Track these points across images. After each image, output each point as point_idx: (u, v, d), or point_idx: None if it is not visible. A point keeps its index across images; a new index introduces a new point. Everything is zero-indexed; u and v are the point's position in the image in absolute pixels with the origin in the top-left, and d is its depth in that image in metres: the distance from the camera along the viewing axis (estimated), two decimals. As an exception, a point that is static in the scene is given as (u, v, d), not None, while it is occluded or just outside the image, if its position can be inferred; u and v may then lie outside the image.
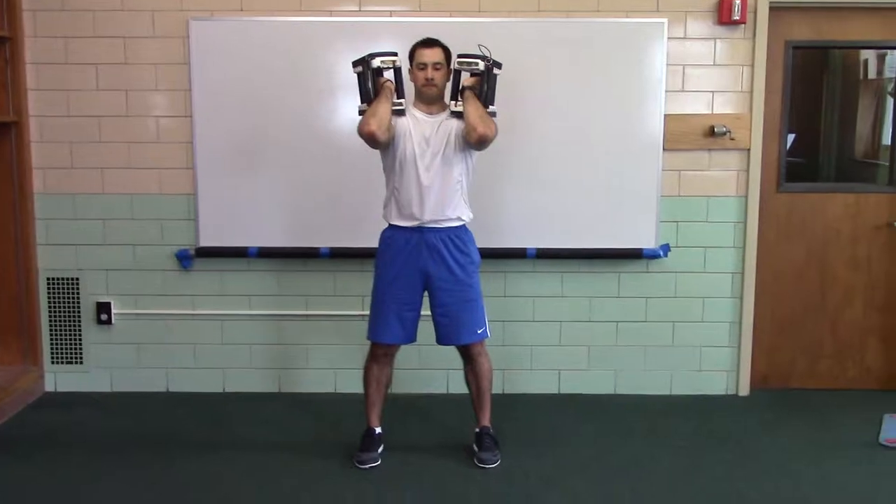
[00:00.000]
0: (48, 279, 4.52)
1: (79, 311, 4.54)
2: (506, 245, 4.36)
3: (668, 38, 4.30)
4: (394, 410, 4.02)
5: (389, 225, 3.66)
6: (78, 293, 4.52)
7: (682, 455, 3.81)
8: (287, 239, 4.41)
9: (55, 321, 4.55)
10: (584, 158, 4.36)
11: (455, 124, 3.57)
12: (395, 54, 3.61)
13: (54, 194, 4.45)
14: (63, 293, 4.53)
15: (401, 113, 3.59)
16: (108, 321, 4.53)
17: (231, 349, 4.57)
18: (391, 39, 4.16)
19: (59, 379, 4.59)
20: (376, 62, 3.54)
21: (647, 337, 4.56)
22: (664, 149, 4.36)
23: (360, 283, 4.41)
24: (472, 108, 3.48)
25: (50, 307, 4.54)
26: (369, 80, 3.55)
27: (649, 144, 4.35)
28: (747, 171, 4.41)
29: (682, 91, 4.36)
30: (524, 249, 4.39)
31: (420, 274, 3.60)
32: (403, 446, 3.84)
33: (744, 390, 4.58)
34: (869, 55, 4.71)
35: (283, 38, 4.29)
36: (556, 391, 4.60)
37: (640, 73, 4.32)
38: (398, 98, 3.59)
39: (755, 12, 4.29)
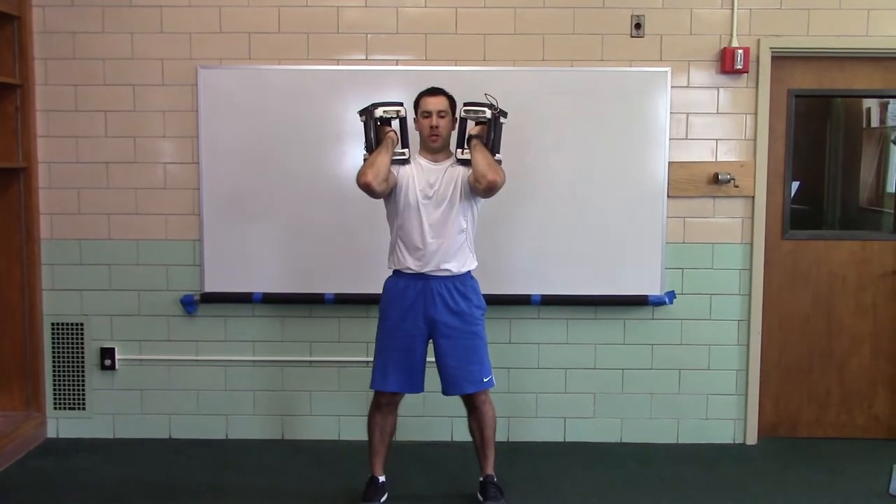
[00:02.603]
0: (52, 324, 4.52)
1: (83, 357, 4.53)
2: (510, 291, 4.36)
3: (672, 86, 4.34)
4: (398, 458, 3.98)
5: (393, 272, 3.66)
6: (82, 338, 4.52)
7: (690, 505, 3.77)
8: (292, 285, 4.42)
9: (59, 367, 4.54)
10: (589, 205, 4.37)
11: (461, 172, 3.59)
12: (401, 104, 3.63)
13: (61, 240, 4.47)
14: (67, 338, 4.52)
15: (404, 162, 3.61)
16: (112, 367, 4.52)
17: (234, 395, 4.55)
18: (397, 88, 4.23)
19: (61, 425, 4.57)
20: (379, 112, 3.57)
21: (653, 384, 4.53)
22: (669, 196, 4.38)
23: (365, 329, 4.40)
24: (481, 155, 3.49)
25: (54, 352, 4.53)
26: (372, 129, 3.57)
27: (654, 191, 4.37)
28: (752, 218, 4.42)
29: (686, 139, 4.39)
30: (529, 296, 4.39)
31: (424, 322, 3.59)
32: (407, 495, 3.81)
33: (751, 439, 4.54)
34: (871, 104, 4.74)
35: (290, 87, 4.33)
36: (561, 439, 4.56)
37: (644, 121, 4.35)
38: (402, 147, 3.61)
39: (758, 61, 4.34)
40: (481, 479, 3.73)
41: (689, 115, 4.39)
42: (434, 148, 3.63)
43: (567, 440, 4.56)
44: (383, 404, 3.66)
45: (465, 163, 3.56)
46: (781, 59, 4.39)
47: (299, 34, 4.35)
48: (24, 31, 4.29)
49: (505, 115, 3.59)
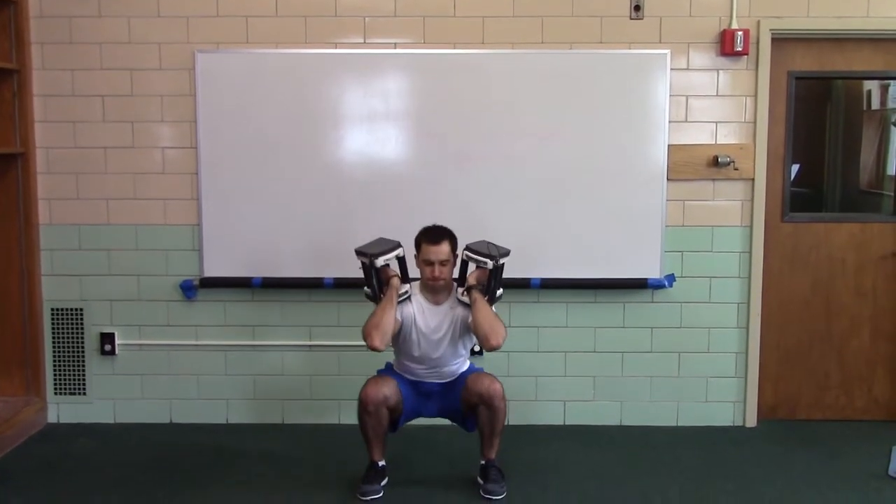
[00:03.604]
0: (52, 310, 4.52)
1: (82, 342, 4.54)
2: (510, 275, 4.34)
3: (672, 69, 4.32)
4: (398, 442, 3.99)
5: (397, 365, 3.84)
6: (82, 324, 4.52)
7: (689, 487, 3.77)
8: (291, 269, 4.41)
9: (59, 352, 4.55)
10: (589, 189, 4.36)
11: (461, 313, 3.65)
12: (399, 246, 3.66)
13: (59, 225, 4.46)
14: (67, 324, 4.53)
15: (406, 300, 3.66)
16: (112, 352, 4.52)
17: (234, 380, 4.56)
18: (396, 71, 4.23)
19: (61, 410, 4.58)
20: (380, 262, 3.59)
21: (652, 367, 4.53)
22: (668, 179, 4.37)
23: (365, 313, 4.38)
24: (482, 315, 3.53)
25: (54, 338, 4.54)
26: (374, 276, 3.60)
27: (653, 174, 4.36)
28: (752, 200, 4.41)
29: (686, 122, 4.38)
30: (528, 279, 4.39)
31: (420, 402, 3.78)
32: (407, 479, 3.82)
33: (751, 421, 4.55)
34: (872, 86, 4.73)
35: (288, 71, 4.32)
36: (561, 422, 4.57)
37: (643, 103, 4.33)
38: (403, 283, 3.65)
39: (758, 43, 4.32)
40: (482, 462, 3.73)
41: (688, 97, 4.37)
42: (435, 290, 3.68)
43: (567, 423, 4.57)
44: (370, 410, 3.60)
45: (466, 305, 3.62)
46: (781, 41, 4.37)
47: (297, 18, 4.33)
48: (21, 15, 4.27)
49: (507, 256, 3.62)
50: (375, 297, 3.64)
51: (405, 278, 3.69)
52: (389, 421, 3.67)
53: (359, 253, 3.63)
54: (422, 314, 3.68)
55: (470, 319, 3.58)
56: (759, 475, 3.92)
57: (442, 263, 3.62)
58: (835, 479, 3.87)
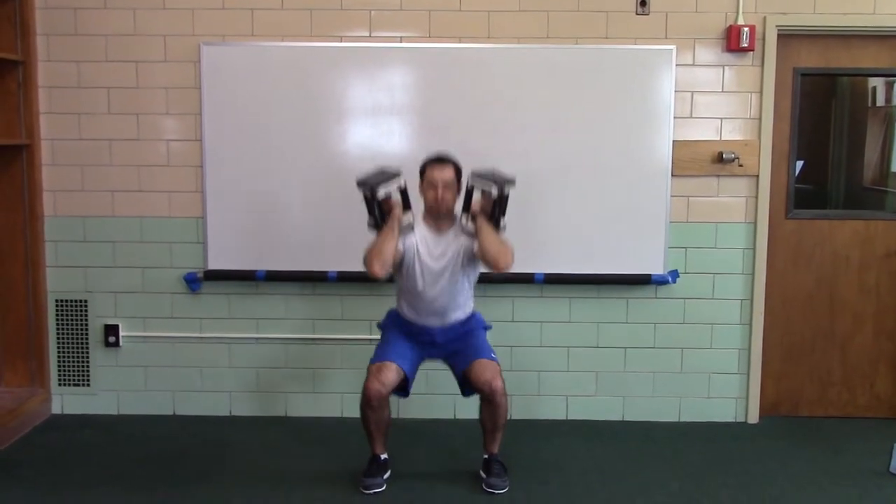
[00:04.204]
0: (56, 301, 4.53)
1: (87, 334, 4.55)
2: (513, 270, 4.34)
3: (677, 64, 4.32)
4: (400, 436, 4.00)
5: (399, 310, 3.80)
6: (86, 315, 4.53)
7: (691, 482, 3.78)
8: (295, 262, 4.42)
9: (63, 343, 4.56)
10: (593, 184, 4.36)
11: (465, 242, 3.63)
12: (399, 174, 3.61)
13: (64, 217, 4.47)
14: (71, 315, 4.54)
15: (409, 230, 3.63)
16: (116, 344, 4.54)
17: (238, 372, 4.57)
18: (401, 65, 4.23)
19: (66, 401, 4.59)
20: (381, 193, 3.55)
21: (655, 363, 4.54)
22: (673, 175, 4.37)
23: (368, 307, 4.41)
24: (489, 239, 3.52)
25: (58, 329, 4.55)
26: (376, 207, 3.57)
27: (658, 170, 4.36)
28: (756, 197, 4.41)
29: (691, 117, 4.38)
30: (532, 274, 4.39)
31: (425, 351, 3.74)
32: (410, 472, 3.83)
33: (753, 417, 4.56)
34: (877, 83, 4.72)
35: (293, 63, 4.32)
36: (563, 417, 4.58)
37: (648, 99, 4.33)
38: (405, 210, 3.61)
39: (763, 39, 4.31)
40: (485, 456, 3.74)
41: (693, 93, 4.37)
42: (438, 216, 3.66)
43: (569, 418, 4.58)
44: (374, 405, 3.59)
45: (470, 234, 3.59)
46: (787, 38, 4.37)
47: (302, 10, 4.32)
48: (26, 6, 4.26)
49: (513, 184, 3.58)
50: (378, 228, 3.59)
51: (407, 206, 3.64)
52: (398, 391, 3.66)
53: (359, 184, 3.58)
54: (424, 244, 3.64)
55: (475, 248, 3.56)
56: (760, 471, 3.92)
57: (446, 187, 3.59)
58: (836, 476, 3.87)
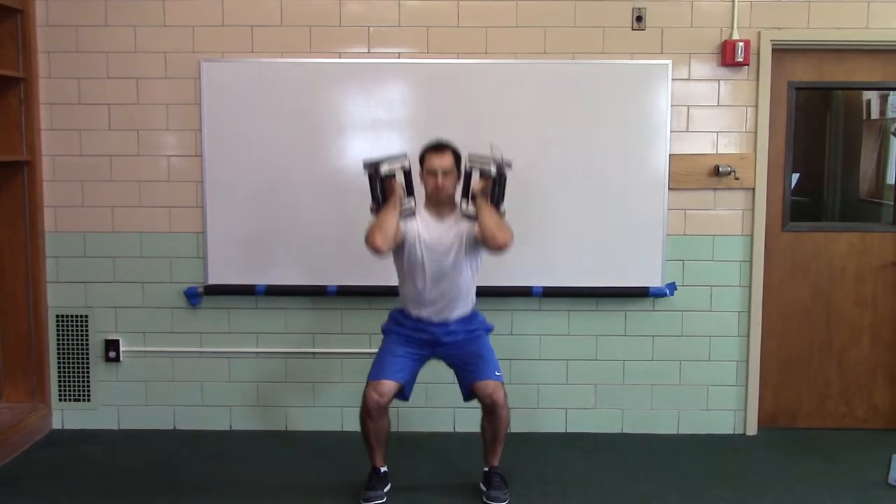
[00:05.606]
0: (57, 316, 4.54)
1: (87, 349, 4.56)
2: (512, 283, 4.38)
3: (673, 79, 4.36)
4: (400, 449, 4.01)
5: (400, 308, 3.79)
6: (87, 330, 4.55)
7: (690, 494, 3.79)
8: (295, 277, 4.44)
9: (63, 358, 4.57)
10: (590, 198, 4.39)
11: (466, 227, 3.64)
12: (405, 156, 3.66)
13: (65, 232, 4.49)
14: (72, 330, 4.55)
15: (411, 214, 3.65)
16: (117, 358, 4.55)
17: (238, 387, 4.58)
18: (399, 81, 4.27)
19: (66, 416, 4.60)
20: (385, 169, 3.57)
21: (653, 375, 4.56)
22: (669, 188, 4.40)
23: (368, 321, 4.43)
24: (488, 217, 3.53)
25: (58, 345, 4.56)
26: (378, 185, 3.59)
27: (655, 184, 4.39)
28: (752, 210, 4.44)
29: (687, 131, 4.41)
30: (530, 288, 4.41)
31: (428, 346, 3.71)
32: (410, 485, 3.84)
33: (751, 429, 4.57)
34: (871, 96, 4.76)
35: (292, 80, 4.35)
36: (563, 430, 4.59)
37: (645, 113, 4.36)
38: (408, 195, 3.64)
39: (758, 54, 4.35)
40: (486, 469, 3.75)
41: (689, 107, 4.40)
42: (439, 203, 3.67)
43: (568, 431, 4.59)
44: (374, 416, 3.60)
45: (471, 217, 3.60)
46: (782, 52, 4.41)
47: (302, 27, 4.36)
48: (28, 24, 4.30)
49: (510, 166, 3.61)
50: (380, 210, 3.61)
51: (410, 192, 3.66)
52: (398, 396, 3.66)
53: (365, 164, 3.61)
54: (426, 228, 3.64)
55: (476, 230, 3.57)
56: (759, 483, 3.94)
57: (445, 174, 3.60)
58: (835, 487, 3.88)
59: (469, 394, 3.69)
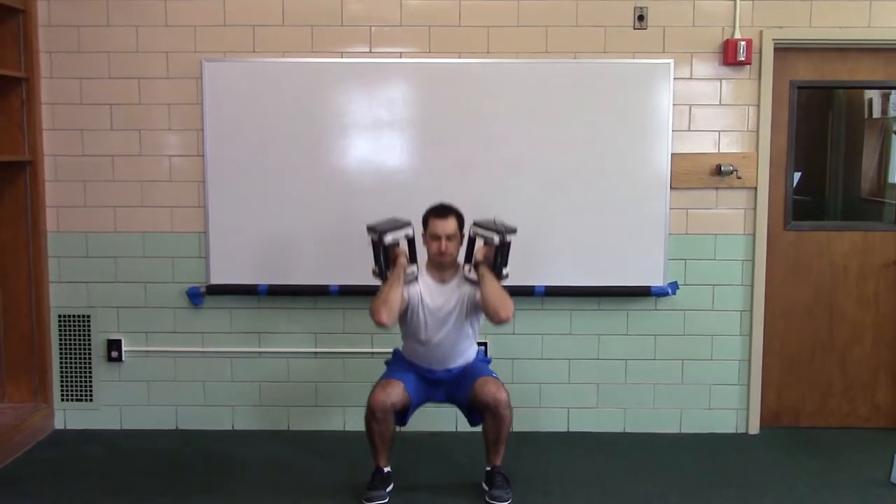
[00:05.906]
0: (59, 316, 4.55)
1: (89, 349, 4.56)
2: (514, 283, 4.36)
3: (675, 78, 4.35)
4: (403, 449, 4.01)
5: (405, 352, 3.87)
6: (89, 331, 4.55)
7: (692, 494, 3.79)
8: (297, 276, 4.44)
9: (66, 359, 4.57)
10: (592, 197, 4.39)
11: (468, 291, 3.67)
12: (409, 224, 3.69)
13: (67, 232, 4.49)
14: (74, 331, 4.55)
15: (413, 280, 3.68)
16: (119, 358, 4.55)
17: (240, 387, 4.58)
18: (401, 80, 4.27)
19: (68, 416, 4.60)
20: (389, 239, 3.60)
21: (655, 375, 4.56)
22: (671, 187, 4.40)
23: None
24: (492, 290, 3.55)
25: (61, 344, 4.56)
26: (382, 253, 3.62)
27: (657, 183, 4.39)
28: (754, 209, 4.44)
29: (689, 130, 4.41)
30: (532, 287, 4.41)
31: (430, 388, 3.80)
32: (412, 485, 3.84)
33: (753, 428, 4.57)
34: (873, 94, 4.76)
35: (294, 79, 4.35)
36: (565, 429, 4.59)
37: (646, 112, 4.36)
38: (410, 263, 3.68)
39: (760, 53, 4.35)
40: (488, 468, 3.75)
41: (691, 106, 4.40)
42: (442, 266, 3.70)
43: (570, 430, 4.59)
44: (378, 417, 3.61)
45: (473, 282, 3.63)
46: (784, 51, 4.40)
47: (303, 27, 4.36)
48: (30, 24, 4.30)
49: (514, 232, 3.64)
50: (383, 275, 3.64)
51: (413, 259, 3.70)
52: (398, 416, 3.68)
53: (369, 229, 3.64)
54: (429, 293, 3.68)
55: (478, 296, 3.59)
56: (761, 482, 3.94)
57: (448, 238, 3.63)
58: (837, 487, 3.88)
59: (472, 405, 3.70)
